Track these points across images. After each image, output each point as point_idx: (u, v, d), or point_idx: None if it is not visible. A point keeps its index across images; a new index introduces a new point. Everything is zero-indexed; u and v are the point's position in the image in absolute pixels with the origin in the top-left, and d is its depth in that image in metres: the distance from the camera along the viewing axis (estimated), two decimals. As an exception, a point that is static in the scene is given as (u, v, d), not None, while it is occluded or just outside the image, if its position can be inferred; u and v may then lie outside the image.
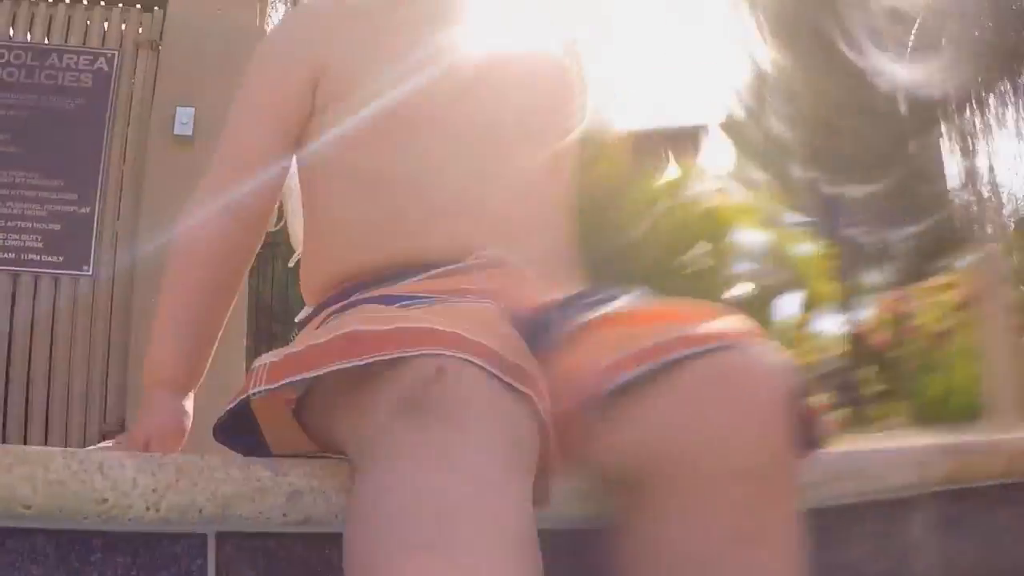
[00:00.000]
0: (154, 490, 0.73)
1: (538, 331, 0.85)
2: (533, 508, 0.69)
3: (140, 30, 3.14)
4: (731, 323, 0.81)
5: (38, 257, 2.91)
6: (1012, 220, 7.73)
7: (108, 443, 0.98)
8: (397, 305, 0.86)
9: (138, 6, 3.17)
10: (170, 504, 0.73)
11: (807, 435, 0.78)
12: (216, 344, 1.05)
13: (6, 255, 2.88)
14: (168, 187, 2.97)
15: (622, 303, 0.89)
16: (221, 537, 0.78)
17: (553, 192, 1.10)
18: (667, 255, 4.89)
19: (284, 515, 0.77)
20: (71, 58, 3.05)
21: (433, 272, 0.97)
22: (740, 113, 8.31)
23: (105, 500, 0.71)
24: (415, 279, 0.97)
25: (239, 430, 0.85)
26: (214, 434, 0.84)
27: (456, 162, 1.02)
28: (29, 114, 2.98)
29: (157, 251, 2.90)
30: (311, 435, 0.88)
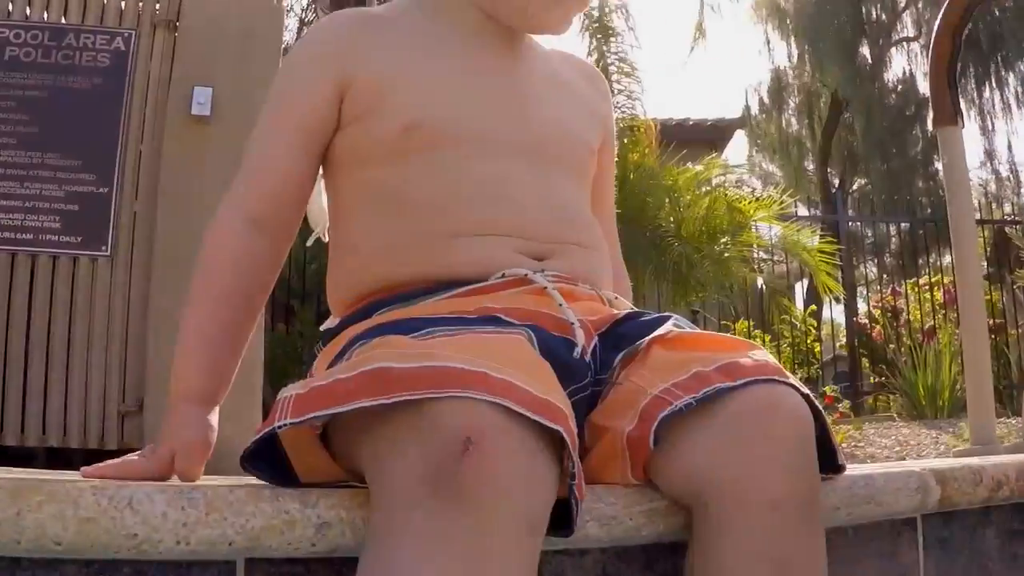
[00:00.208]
0: (184, 524, 0.73)
1: (573, 355, 0.89)
2: (555, 536, 0.75)
3: (157, 9, 3.11)
4: (760, 357, 0.88)
5: (56, 238, 2.91)
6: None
7: (133, 456, 0.98)
8: (423, 332, 0.85)
9: (155, -15, 3.15)
10: (200, 538, 0.73)
11: (830, 462, 0.90)
12: (242, 357, 1.05)
13: (24, 236, 2.89)
14: (186, 167, 2.97)
15: (662, 331, 0.94)
16: (251, 563, 0.78)
17: (580, 209, 1.09)
18: (695, 245, 4.96)
19: (313, 545, 0.77)
20: (88, 38, 3.03)
21: (458, 291, 0.96)
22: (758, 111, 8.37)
23: (135, 535, 0.71)
24: (440, 297, 0.97)
25: (264, 455, 0.85)
26: (241, 463, 0.84)
27: (482, 179, 1.01)
28: (46, 94, 2.96)
29: (175, 231, 2.91)
30: (337, 460, 0.88)
